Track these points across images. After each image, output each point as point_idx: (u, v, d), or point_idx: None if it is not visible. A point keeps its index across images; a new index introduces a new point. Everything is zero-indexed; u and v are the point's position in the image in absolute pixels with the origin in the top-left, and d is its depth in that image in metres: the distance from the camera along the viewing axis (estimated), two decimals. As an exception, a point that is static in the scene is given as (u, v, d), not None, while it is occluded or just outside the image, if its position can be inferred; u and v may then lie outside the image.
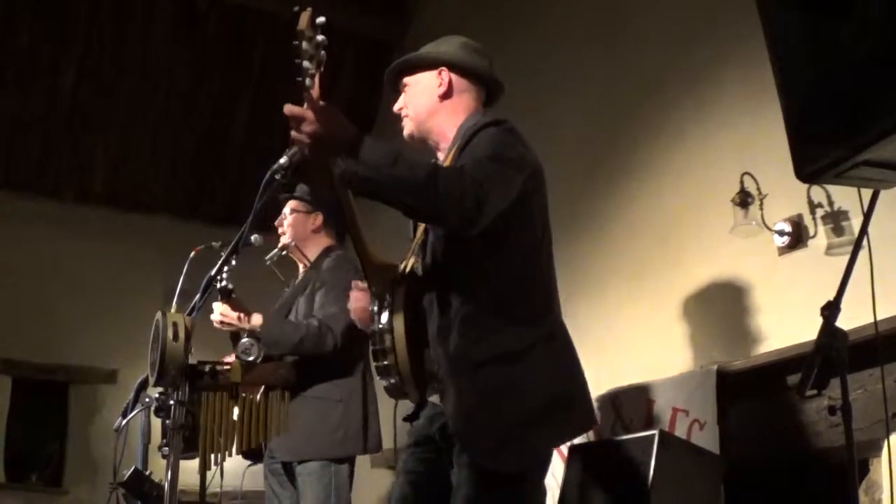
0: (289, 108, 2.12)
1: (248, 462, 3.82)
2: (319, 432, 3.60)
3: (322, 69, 2.10)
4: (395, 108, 2.61)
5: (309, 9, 2.08)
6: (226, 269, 3.50)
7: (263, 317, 3.63)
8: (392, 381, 2.34)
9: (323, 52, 2.09)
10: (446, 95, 2.53)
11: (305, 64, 2.08)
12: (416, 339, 2.32)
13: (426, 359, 2.34)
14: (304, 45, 2.07)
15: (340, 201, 2.37)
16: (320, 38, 2.08)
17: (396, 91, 2.64)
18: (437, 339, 2.31)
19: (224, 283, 3.43)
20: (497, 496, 2.25)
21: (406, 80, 2.58)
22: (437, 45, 2.62)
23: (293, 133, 2.13)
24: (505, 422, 2.23)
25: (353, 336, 3.68)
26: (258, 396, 2.91)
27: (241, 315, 3.56)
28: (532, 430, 2.25)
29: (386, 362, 2.32)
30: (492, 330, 2.29)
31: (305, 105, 2.11)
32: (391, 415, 2.48)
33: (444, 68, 2.55)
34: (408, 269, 2.45)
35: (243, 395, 2.86)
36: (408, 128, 2.57)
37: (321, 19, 2.08)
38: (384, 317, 2.33)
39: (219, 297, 3.49)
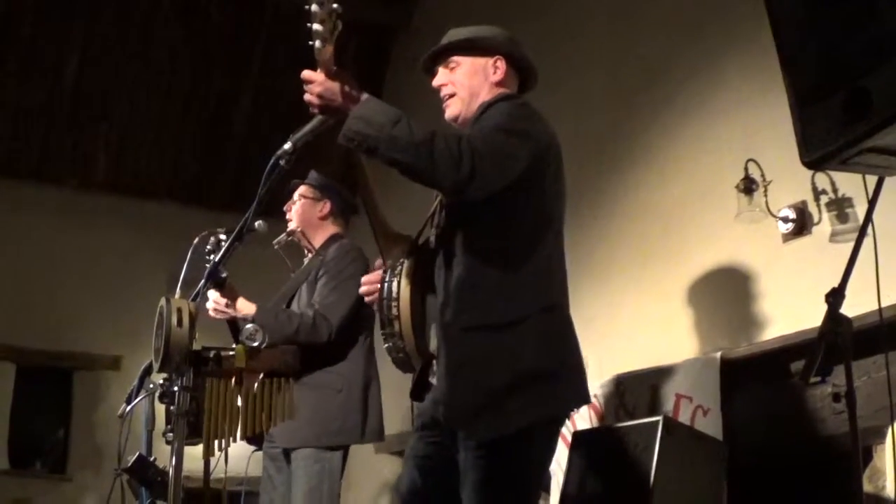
0: (304, 73, 2.20)
1: (253, 448, 3.83)
2: (318, 421, 3.60)
3: (336, 34, 2.13)
4: (437, 82, 2.60)
5: None
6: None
7: (257, 305, 3.61)
8: (399, 355, 2.40)
9: (338, 18, 2.11)
10: (500, 83, 2.56)
11: (316, 27, 2.10)
12: (421, 307, 2.38)
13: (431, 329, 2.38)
14: (316, 7, 2.09)
15: (356, 168, 2.41)
16: (335, 5, 2.10)
17: (431, 68, 2.63)
18: (439, 309, 2.35)
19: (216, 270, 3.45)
20: (504, 468, 2.26)
21: (456, 58, 2.59)
22: (482, 31, 2.61)
23: (305, 95, 2.21)
24: (480, 390, 2.26)
25: (353, 324, 3.70)
26: (255, 386, 2.89)
27: (227, 302, 3.57)
28: (506, 400, 2.26)
29: (391, 330, 2.38)
30: (485, 300, 2.32)
31: (318, 68, 2.17)
32: (403, 398, 2.51)
33: (500, 57, 2.58)
34: (421, 241, 2.49)
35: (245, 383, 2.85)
36: (455, 108, 2.57)
37: None
38: (393, 285, 2.38)
39: (212, 285, 3.50)
